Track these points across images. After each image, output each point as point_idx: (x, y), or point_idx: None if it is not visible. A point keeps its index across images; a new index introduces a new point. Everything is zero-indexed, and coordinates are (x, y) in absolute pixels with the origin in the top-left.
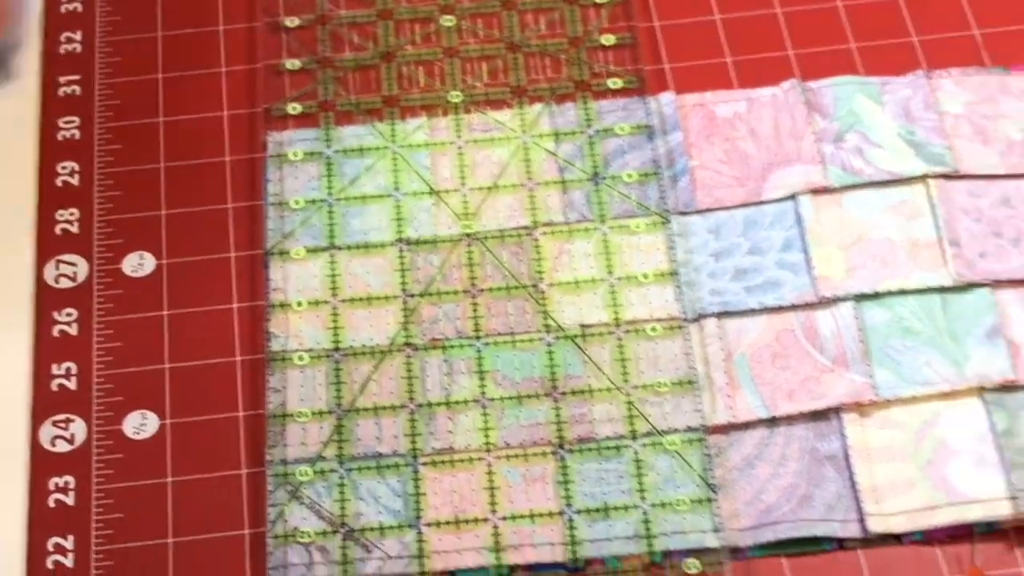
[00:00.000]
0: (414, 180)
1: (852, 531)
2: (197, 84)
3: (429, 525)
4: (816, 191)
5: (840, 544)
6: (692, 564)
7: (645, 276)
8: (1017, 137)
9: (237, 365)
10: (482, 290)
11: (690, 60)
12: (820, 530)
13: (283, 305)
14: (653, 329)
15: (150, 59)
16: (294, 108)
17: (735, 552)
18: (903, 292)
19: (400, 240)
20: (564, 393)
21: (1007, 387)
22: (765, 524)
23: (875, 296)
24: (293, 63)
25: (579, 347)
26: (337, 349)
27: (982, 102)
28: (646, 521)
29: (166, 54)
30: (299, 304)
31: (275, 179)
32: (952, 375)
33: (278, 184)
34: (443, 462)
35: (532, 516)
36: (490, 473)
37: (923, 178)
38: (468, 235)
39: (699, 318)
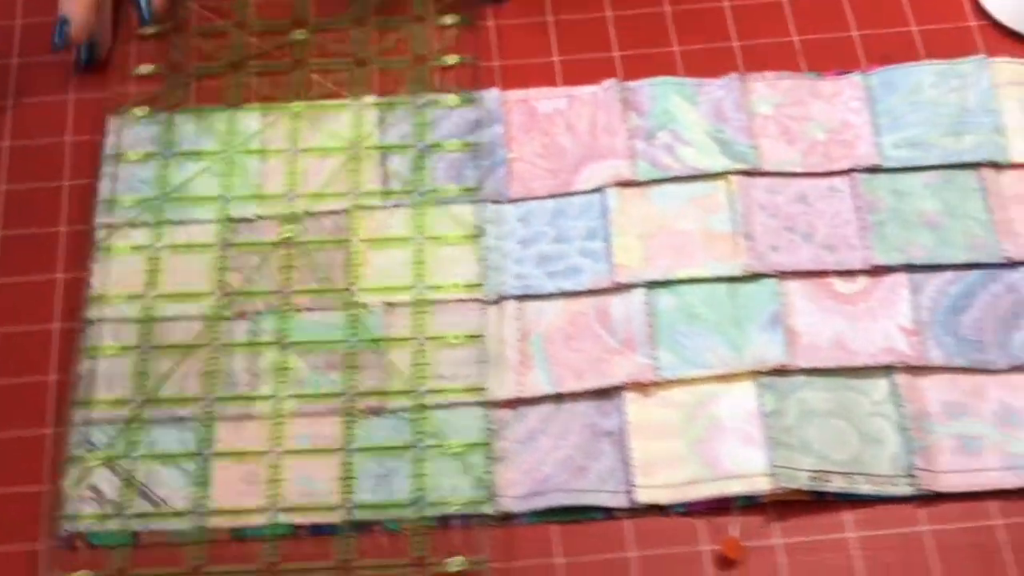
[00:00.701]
0: (245, 185)
1: (620, 501)
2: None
3: (220, 484)
4: (623, 184)
5: (609, 513)
6: (457, 562)
7: (454, 262)
8: (820, 138)
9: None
10: (293, 265)
11: (520, 58)
12: (590, 499)
13: (101, 296)
14: (453, 330)
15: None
16: (141, 110)
17: (508, 518)
18: (693, 280)
19: (224, 242)
20: (358, 367)
21: (779, 371)
22: (539, 493)
23: (666, 284)
24: (146, 68)
25: (378, 324)
26: (151, 319)
27: (791, 104)
28: (422, 489)
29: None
30: (117, 297)
31: (109, 175)
32: (731, 359)
33: (112, 180)
34: (238, 422)
35: (317, 480)
36: (280, 438)
37: (725, 174)
38: (287, 217)
39: (500, 300)
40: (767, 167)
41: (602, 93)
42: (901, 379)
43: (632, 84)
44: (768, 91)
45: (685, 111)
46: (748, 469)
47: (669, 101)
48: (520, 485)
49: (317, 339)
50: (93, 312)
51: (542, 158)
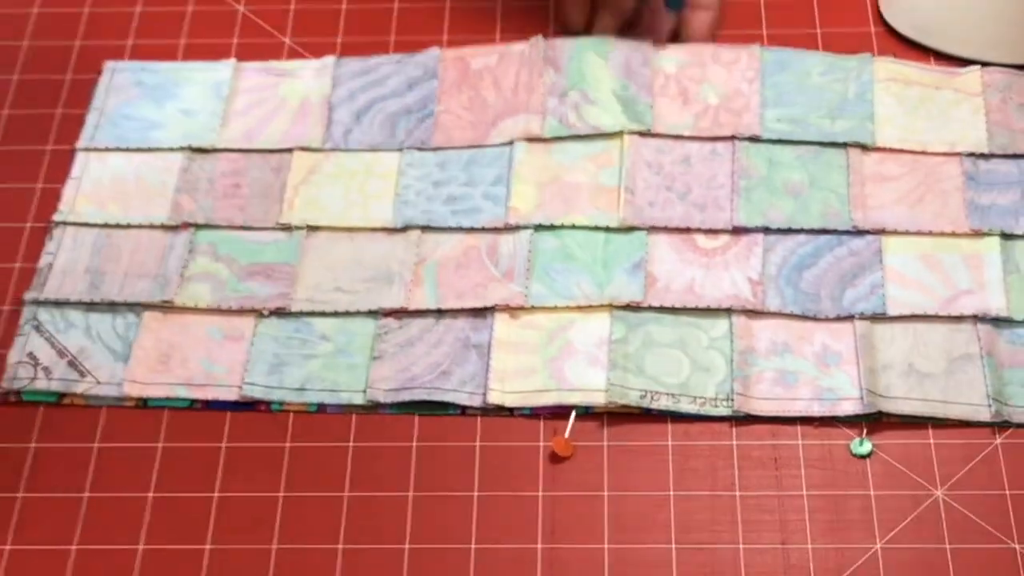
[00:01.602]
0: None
1: (475, 401)
2: None
3: (137, 361)
4: (531, 139)
5: (463, 411)
6: None
7: (377, 195)
8: (713, 102)
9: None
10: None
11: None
12: (449, 397)
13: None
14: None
15: None
16: None
17: (377, 407)
18: (575, 227)
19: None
20: (274, 276)
21: (632, 307)
22: (407, 388)
23: (551, 228)
24: None
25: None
26: (108, 225)
27: (693, 66)
28: (309, 378)
29: None
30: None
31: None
32: (593, 294)
33: (97, 115)
34: (164, 314)
35: (220, 364)
36: (196, 327)
37: (621, 134)
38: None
39: (406, 228)
40: (660, 129)
41: (528, 50)
42: (738, 320)
43: (556, 41)
44: (674, 50)
45: (597, 67)
46: (588, 384)
47: (584, 59)
48: (391, 381)
49: (245, 252)
50: (60, 216)
51: (467, 111)
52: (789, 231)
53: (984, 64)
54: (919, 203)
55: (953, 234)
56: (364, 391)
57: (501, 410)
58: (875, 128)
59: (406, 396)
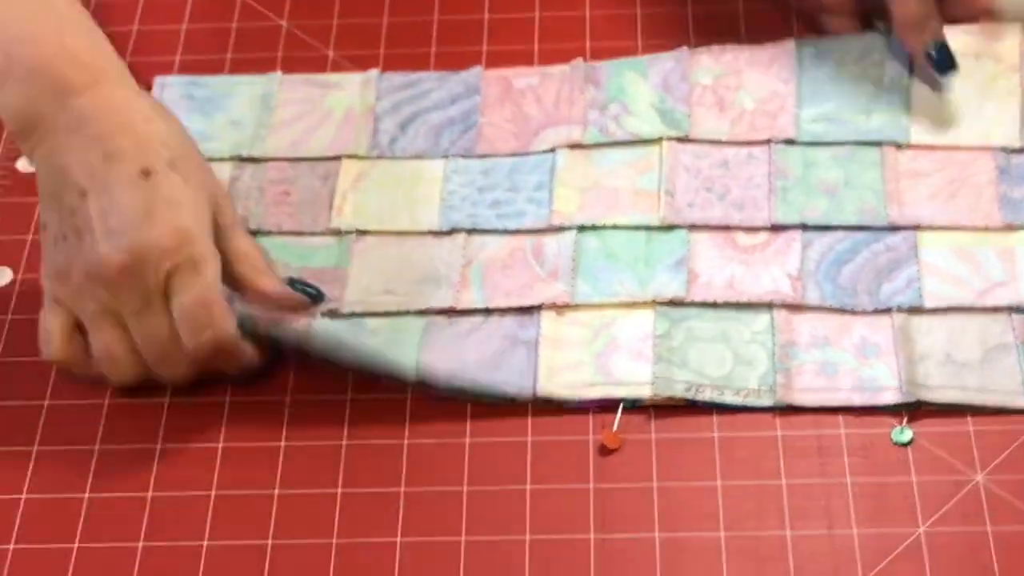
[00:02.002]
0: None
1: (525, 393)
2: None
3: None
4: (573, 146)
5: (513, 401)
6: None
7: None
8: (749, 107)
9: None
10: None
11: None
12: (499, 389)
13: None
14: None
15: None
16: None
17: (425, 386)
18: (617, 227)
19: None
20: (325, 280)
21: (675, 303)
22: (457, 376)
23: (594, 228)
24: None
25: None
26: None
27: (728, 75)
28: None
29: None
30: None
31: None
32: (636, 291)
33: None
34: None
35: None
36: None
37: (659, 140)
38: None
39: (452, 231)
40: (697, 135)
41: (570, 71)
42: (779, 315)
43: (596, 64)
44: (711, 62)
45: (636, 84)
46: (635, 379)
47: (623, 76)
48: (442, 365)
49: (295, 257)
50: None
51: (509, 123)
52: (827, 228)
53: None
54: (952, 198)
55: (986, 228)
56: (416, 368)
57: (550, 404)
58: (909, 122)
59: (456, 383)
